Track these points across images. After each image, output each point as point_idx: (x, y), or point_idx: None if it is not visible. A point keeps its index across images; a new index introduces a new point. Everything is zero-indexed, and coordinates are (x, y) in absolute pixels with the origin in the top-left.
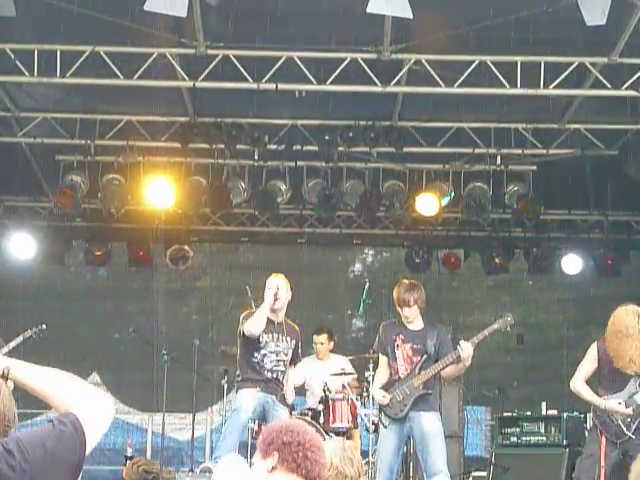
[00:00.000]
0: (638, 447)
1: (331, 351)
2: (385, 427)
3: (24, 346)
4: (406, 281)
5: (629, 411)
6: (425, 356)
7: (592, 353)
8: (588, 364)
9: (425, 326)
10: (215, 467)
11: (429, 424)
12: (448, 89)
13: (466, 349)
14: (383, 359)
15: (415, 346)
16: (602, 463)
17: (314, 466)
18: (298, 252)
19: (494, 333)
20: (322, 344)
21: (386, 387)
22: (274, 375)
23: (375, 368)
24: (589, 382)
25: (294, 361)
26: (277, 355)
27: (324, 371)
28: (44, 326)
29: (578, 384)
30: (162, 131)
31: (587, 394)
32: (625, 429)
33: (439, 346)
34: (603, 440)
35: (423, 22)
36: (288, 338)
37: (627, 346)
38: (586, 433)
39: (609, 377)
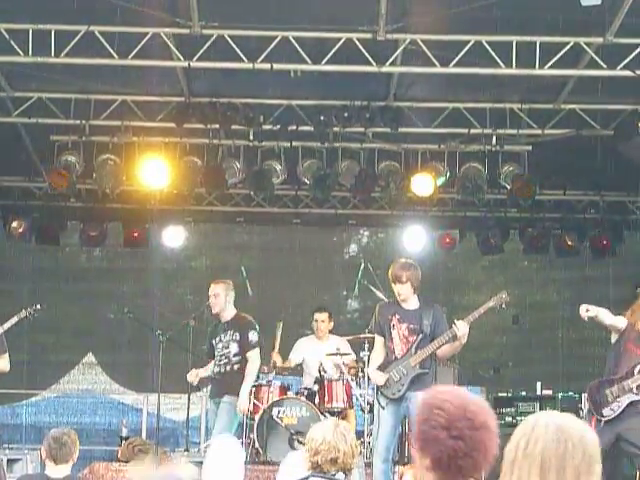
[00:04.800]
0: (629, 430)
1: (330, 331)
2: (383, 408)
3: (19, 326)
4: (402, 259)
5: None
6: (421, 335)
7: (622, 320)
8: (618, 318)
9: (421, 305)
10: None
11: None
12: (443, 69)
13: (461, 328)
14: (379, 340)
15: (411, 326)
16: None
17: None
18: (293, 233)
19: (489, 311)
20: (323, 322)
21: (382, 367)
22: (219, 369)
23: (370, 349)
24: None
25: (245, 349)
26: (221, 351)
27: (322, 351)
28: (39, 306)
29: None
30: (157, 111)
31: (607, 318)
32: (612, 406)
33: (435, 325)
34: (594, 421)
35: (418, 2)
36: (231, 332)
37: None
38: (581, 413)
39: (620, 357)
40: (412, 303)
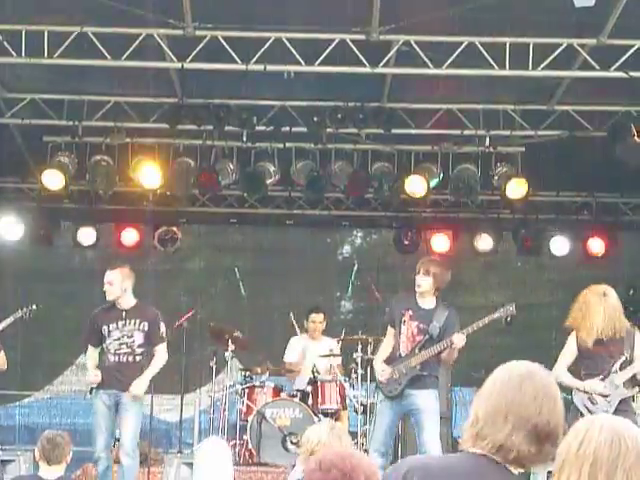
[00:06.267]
0: None
1: (322, 332)
2: (380, 402)
3: (13, 327)
4: (436, 257)
5: (607, 391)
6: (427, 336)
7: (572, 340)
8: (568, 351)
9: (436, 306)
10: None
11: (423, 401)
12: (437, 70)
13: (457, 340)
14: (390, 331)
15: (421, 325)
16: None
17: None
18: (287, 234)
19: (494, 322)
20: (320, 323)
21: (387, 362)
22: (117, 359)
23: (363, 350)
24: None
25: (153, 342)
26: (120, 340)
27: (316, 352)
28: (34, 306)
29: (559, 372)
30: (150, 112)
31: (567, 379)
32: (605, 411)
33: (445, 329)
34: None
35: (412, 3)
36: (136, 321)
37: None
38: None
39: (589, 359)
40: (428, 302)
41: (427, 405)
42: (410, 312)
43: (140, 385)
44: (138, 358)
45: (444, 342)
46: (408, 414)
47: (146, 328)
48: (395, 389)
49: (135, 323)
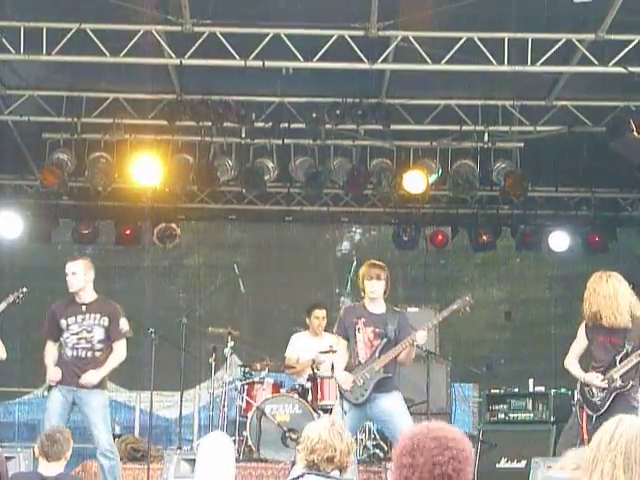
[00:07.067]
0: None
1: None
2: (345, 413)
3: (11, 324)
4: (375, 260)
5: (603, 384)
6: (385, 340)
7: (581, 330)
8: (578, 341)
9: (387, 311)
10: (201, 441)
11: (390, 403)
12: (435, 66)
13: (420, 337)
14: (343, 342)
15: (377, 330)
16: (585, 436)
17: None
18: (285, 230)
19: (453, 314)
20: (324, 319)
21: (347, 371)
22: (75, 353)
23: None
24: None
25: (113, 337)
26: (79, 334)
27: (316, 348)
28: (25, 289)
29: (568, 361)
30: (149, 109)
31: (573, 369)
32: (599, 403)
33: (399, 331)
34: (584, 415)
35: None
36: (96, 315)
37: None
38: (574, 409)
39: (595, 349)
40: (379, 307)
41: (397, 406)
42: (363, 319)
43: (93, 375)
44: (97, 354)
45: (405, 342)
46: (374, 419)
47: (106, 323)
48: (362, 395)
49: (95, 318)
